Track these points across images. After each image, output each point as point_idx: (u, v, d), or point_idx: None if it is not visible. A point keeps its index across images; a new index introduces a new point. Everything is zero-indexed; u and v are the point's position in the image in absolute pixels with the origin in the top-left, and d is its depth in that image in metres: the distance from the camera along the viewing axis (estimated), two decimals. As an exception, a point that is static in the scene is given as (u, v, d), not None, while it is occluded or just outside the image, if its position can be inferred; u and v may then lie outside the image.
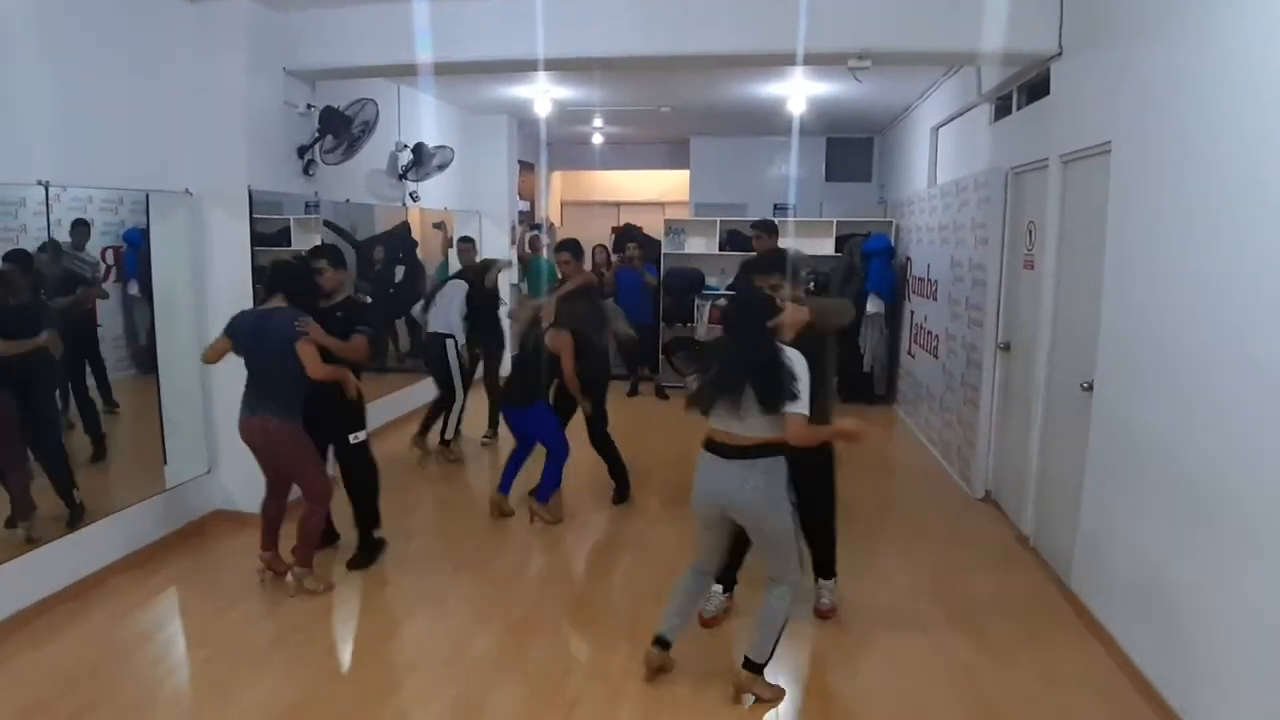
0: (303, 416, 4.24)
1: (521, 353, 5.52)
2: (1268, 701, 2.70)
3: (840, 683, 3.62)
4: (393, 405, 7.62)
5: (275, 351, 4.10)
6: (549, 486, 5.36)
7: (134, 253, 5.38)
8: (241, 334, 4.21)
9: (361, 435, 4.64)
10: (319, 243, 6.49)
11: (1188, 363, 3.23)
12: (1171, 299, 3.36)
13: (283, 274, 4.32)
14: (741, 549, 3.89)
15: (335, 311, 4.49)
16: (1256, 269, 2.81)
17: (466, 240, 7.40)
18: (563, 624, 4.15)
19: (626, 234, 10.31)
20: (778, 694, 3.45)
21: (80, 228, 4.69)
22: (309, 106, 5.58)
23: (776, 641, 3.38)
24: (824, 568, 4.21)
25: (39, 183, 4.02)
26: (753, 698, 3.41)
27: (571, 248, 5.77)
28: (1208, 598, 3.04)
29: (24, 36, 3.97)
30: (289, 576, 4.33)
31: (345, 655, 3.85)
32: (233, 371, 5.17)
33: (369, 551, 4.72)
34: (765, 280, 3.67)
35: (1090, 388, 4.06)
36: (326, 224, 6.80)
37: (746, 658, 3.40)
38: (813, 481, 3.85)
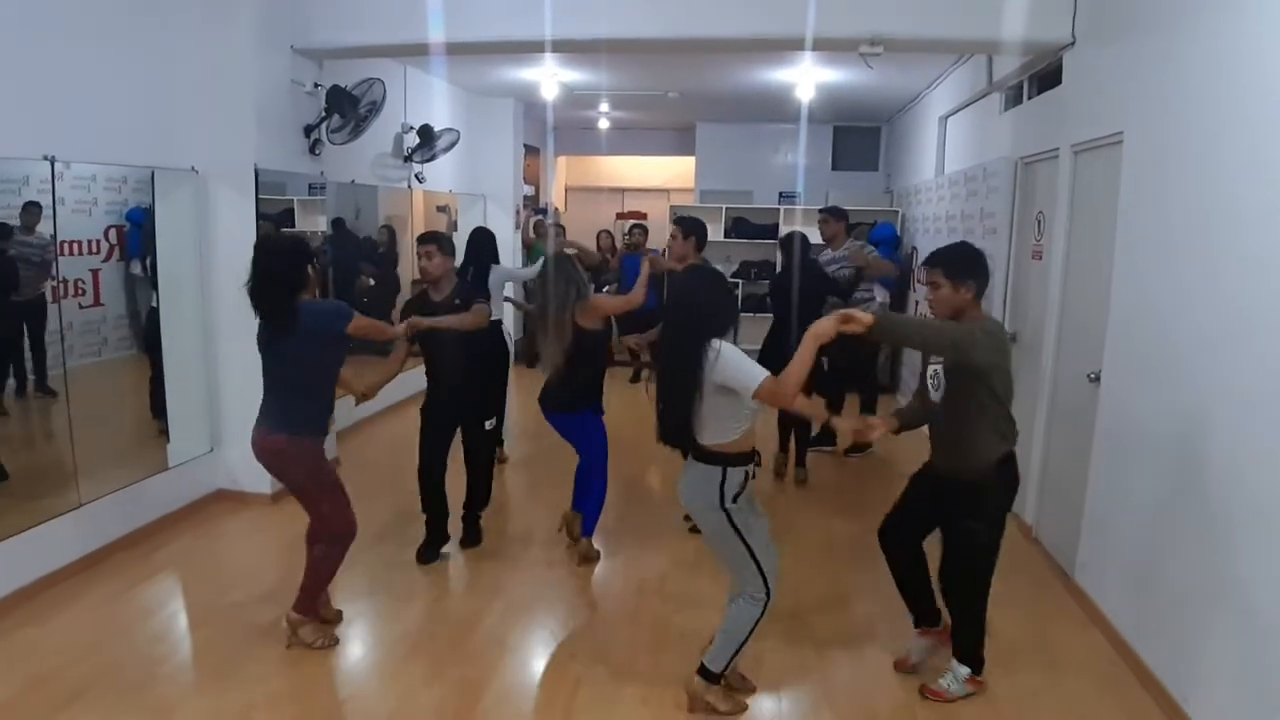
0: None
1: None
2: (1270, 692, 2.70)
3: (842, 672, 3.62)
4: (403, 385, 7.57)
5: (290, 352, 3.47)
6: (593, 516, 4.64)
7: (137, 231, 5.35)
8: (260, 332, 3.53)
9: (493, 422, 4.77)
10: (321, 225, 6.50)
11: (1196, 355, 3.22)
12: (1181, 291, 3.34)
13: (266, 255, 3.53)
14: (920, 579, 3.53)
15: (454, 300, 4.32)
16: (1267, 262, 2.79)
17: (542, 224, 7.11)
18: (567, 607, 4.16)
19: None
20: (736, 708, 3.25)
21: (32, 209, 4.62)
22: (316, 85, 5.56)
23: (735, 654, 3.18)
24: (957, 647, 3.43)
25: (45, 158, 4.00)
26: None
27: (692, 226, 5.10)
28: (1211, 590, 3.04)
29: (30, 10, 3.94)
30: (283, 622, 3.68)
31: (349, 636, 3.84)
32: (235, 351, 5.19)
33: (475, 529, 4.85)
34: None
35: (1097, 379, 4.05)
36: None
37: (702, 663, 3.21)
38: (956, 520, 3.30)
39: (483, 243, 6.09)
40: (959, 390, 3.19)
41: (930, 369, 3.33)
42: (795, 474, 6.02)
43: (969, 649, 3.39)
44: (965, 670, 3.39)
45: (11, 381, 5.15)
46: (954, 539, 3.32)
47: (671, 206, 10.46)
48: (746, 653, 3.24)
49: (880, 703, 3.39)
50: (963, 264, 3.19)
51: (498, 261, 6.33)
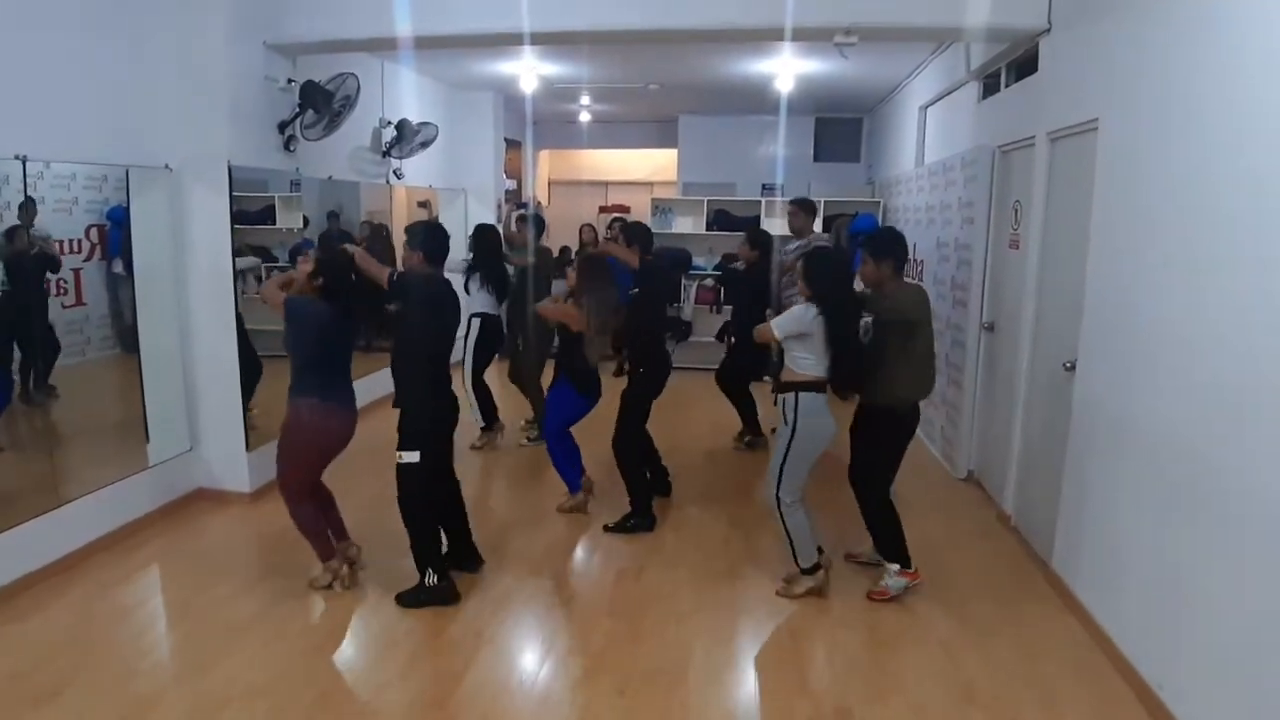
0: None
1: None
2: (1243, 676, 2.72)
3: (819, 658, 3.64)
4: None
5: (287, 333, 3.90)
6: (565, 475, 5.18)
7: (118, 231, 5.31)
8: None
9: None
10: (302, 220, 6.48)
11: (1169, 343, 3.23)
12: (1154, 279, 3.36)
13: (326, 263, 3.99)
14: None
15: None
16: (1239, 250, 2.80)
17: (524, 220, 7.01)
18: (543, 600, 4.16)
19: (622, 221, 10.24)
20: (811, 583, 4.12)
21: (29, 205, 4.60)
22: (289, 81, 5.51)
23: (793, 549, 4.08)
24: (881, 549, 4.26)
25: (16, 157, 3.97)
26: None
27: (631, 232, 5.27)
28: (1185, 576, 3.06)
29: (-2, 7, 3.91)
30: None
31: (326, 631, 3.85)
32: (212, 349, 5.18)
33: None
34: None
35: (1072, 368, 4.07)
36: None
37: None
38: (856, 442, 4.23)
39: (481, 238, 6.28)
40: (881, 339, 4.05)
41: (862, 323, 4.13)
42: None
43: (888, 549, 4.16)
44: (895, 566, 4.12)
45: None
46: (856, 456, 4.19)
47: (653, 199, 10.45)
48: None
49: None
50: (882, 245, 4.13)
51: (499, 257, 6.34)
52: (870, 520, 4.20)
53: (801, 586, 4.11)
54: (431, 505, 4.05)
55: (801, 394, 3.91)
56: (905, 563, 4.14)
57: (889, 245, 4.14)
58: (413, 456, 3.88)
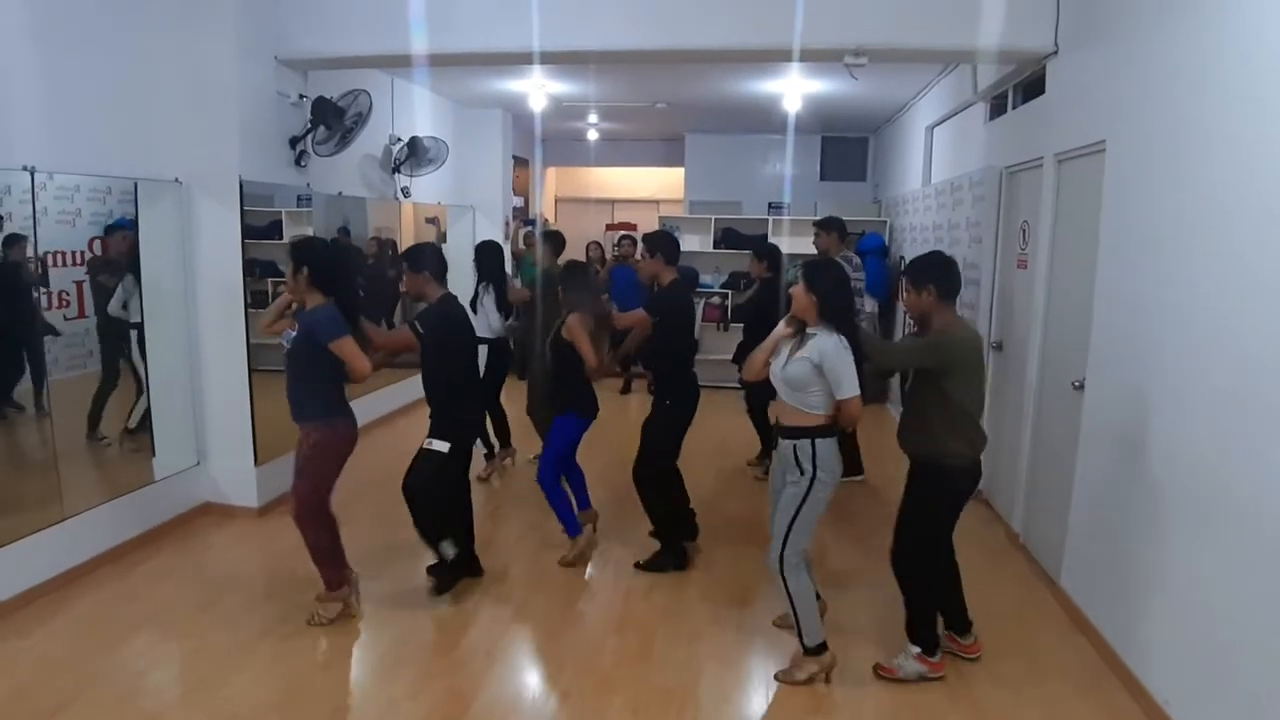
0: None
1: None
2: (1251, 694, 2.70)
3: (830, 677, 3.61)
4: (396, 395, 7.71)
5: (300, 348, 3.79)
6: (562, 515, 4.75)
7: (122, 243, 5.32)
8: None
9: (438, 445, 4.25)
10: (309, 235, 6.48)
11: (1179, 362, 3.23)
12: (1163, 298, 3.36)
13: (304, 251, 3.87)
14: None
15: (414, 321, 4.26)
16: (1249, 269, 2.80)
17: (533, 236, 6.77)
18: (553, 618, 4.14)
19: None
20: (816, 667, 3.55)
21: None
22: (301, 97, 5.55)
23: (798, 622, 3.49)
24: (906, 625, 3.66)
25: (24, 168, 3.99)
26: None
27: (654, 242, 4.74)
28: (1194, 594, 3.04)
29: (9, 20, 3.94)
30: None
31: (335, 648, 3.82)
32: (220, 363, 5.18)
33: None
34: None
35: (1081, 387, 4.07)
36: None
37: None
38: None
39: (484, 256, 6.20)
40: (922, 384, 3.54)
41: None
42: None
43: (915, 628, 3.59)
44: (915, 649, 3.57)
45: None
46: (904, 518, 3.62)
47: (660, 217, 10.48)
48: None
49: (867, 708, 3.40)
50: (921, 271, 3.55)
51: (503, 275, 6.29)
52: (909, 593, 3.61)
53: (805, 671, 3.54)
54: (448, 494, 4.27)
55: (819, 440, 3.38)
56: (929, 649, 3.58)
57: (925, 270, 3.55)
58: (443, 446, 4.09)
